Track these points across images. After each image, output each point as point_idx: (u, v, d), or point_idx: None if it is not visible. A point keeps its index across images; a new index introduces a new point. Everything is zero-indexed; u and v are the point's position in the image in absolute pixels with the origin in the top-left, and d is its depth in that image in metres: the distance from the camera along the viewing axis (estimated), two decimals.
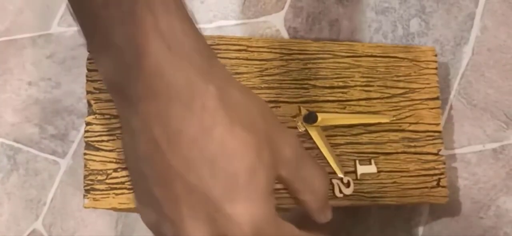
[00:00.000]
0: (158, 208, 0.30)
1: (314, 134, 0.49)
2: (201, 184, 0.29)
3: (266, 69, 0.50)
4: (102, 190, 0.45)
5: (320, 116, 0.49)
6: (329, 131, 0.50)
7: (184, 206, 0.30)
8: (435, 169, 0.51)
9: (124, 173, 0.45)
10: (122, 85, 0.30)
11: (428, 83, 0.52)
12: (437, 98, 0.52)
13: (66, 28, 0.67)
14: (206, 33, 0.62)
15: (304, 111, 0.49)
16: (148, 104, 0.30)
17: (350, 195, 0.49)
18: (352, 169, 0.49)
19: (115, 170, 0.45)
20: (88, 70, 0.47)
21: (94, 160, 0.45)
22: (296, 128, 0.49)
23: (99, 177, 0.45)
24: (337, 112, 0.50)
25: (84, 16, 0.29)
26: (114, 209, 0.46)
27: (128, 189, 0.45)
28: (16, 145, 0.65)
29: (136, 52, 0.29)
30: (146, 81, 0.29)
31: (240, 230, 0.30)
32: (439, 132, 0.52)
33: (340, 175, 0.48)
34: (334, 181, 0.49)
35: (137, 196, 0.32)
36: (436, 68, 0.53)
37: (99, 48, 0.30)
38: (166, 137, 0.29)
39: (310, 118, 0.48)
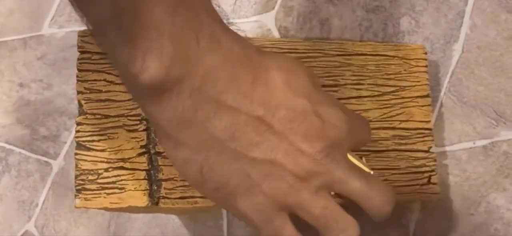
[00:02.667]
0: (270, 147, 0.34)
1: None
2: (293, 108, 0.34)
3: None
4: (93, 190, 0.45)
5: None
6: None
7: (293, 135, 0.34)
8: (425, 166, 0.51)
9: (115, 172, 0.45)
10: (179, 77, 0.31)
11: (418, 81, 0.53)
12: (427, 96, 0.53)
13: (57, 29, 0.67)
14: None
15: None
16: (217, 77, 0.32)
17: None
18: None
19: (106, 170, 0.45)
20: (79, 70, 0.47)
21: (85, 160, 0.45)
22: None
23: (90, 177, 0.45)
24: None
25: (131, 23, 0.30)
26: (106, 208, 0.46)
27: (119, 188, 0.45)
28: (7, 146, 0.65)
29: (193, 33, 0.31)
30: (210, 56, 0.32)
31: (336, 128, 0.35)
32: (430, 129, 0.52)
33: None
34: None
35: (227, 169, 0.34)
36: (426, 66, 0.53)
37: (148, 49, 0.30)
38: (242, 97, 0.33)
39: None
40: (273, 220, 0.35)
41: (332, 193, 0.37)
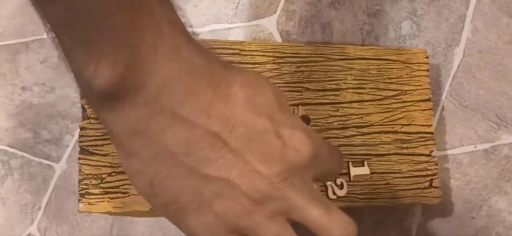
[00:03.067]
0: (222, 169, 0.32)
1: None
2: (253, 127, 0.32)
3: (259, 72, 0.50)
4: (97, 194, 0.45)
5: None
6: (322, 134, 0.50)
7: (250, 154, 0.32)
8: (427, 170, 0.51)
9: (118, 177, 0.45)
10: (134, 85, 0.30)
11: (419, 85, 0.53)
12: (428, 100, 0.53)
13: None
14: (199, 37, 0.62)
15: (301, 112, 0.50)
16: (174, 88, 0.30)
17: (344, 196, 0.49)
18: (345, 171, 0.50)
19: (109, 175, 0.45)
20: None
21: (89, 165, 0.46)
22: None
23: (94, 181, 0.45)
24: (330, 115, 0.51)
25: (82, 24, 0.29)
26: (109, 213, 0.46)
27: (123, 193, 0.45)
28: (10, 150, 0.65)
29: (151, 42, 0.29)
30: (168, 66, 0.30)
31: (297, 152, 0.33)
32: (431, 133, 0.52)
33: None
34: (328, 183, 0.49)
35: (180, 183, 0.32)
36: (427, 70, 0.53)
37: (102, 54, 0.29)
38: (199, 111, 0.31)
39: (303, 122, 0.49)
40: None
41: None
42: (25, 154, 0.64)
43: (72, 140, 0.64)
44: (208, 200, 0.32)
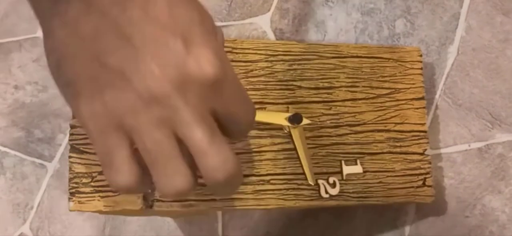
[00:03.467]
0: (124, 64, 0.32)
1: (295, 135, 0.49)
2: (163, 29, 0.32)
3: (252, 70, 0.50)
4: (87, 192, 0.45)
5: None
6: (315, 132, 0.50)
7: (150, 53, 0.32)
8: (420, 168, 0.51)
9: None
10: None
11: (413, 83, 0.53)
12: (422, 98, 0.53)
13: None
14: None
15: (292, 111, 0.49)
16: None
17: (336, 195, 0.49)
18: (338, 169, 0.50)
19: (100, 173, 0.45)
20: None
21: (79, 163, 0.45)
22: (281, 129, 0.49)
23: (84, 180, 0.45)
24: (323, 113, 0.50)
25: None
26: (100, 211, 0.46)
27: (113, 191, 0.45)
28: (2, 149, 0.65)
29: None
30: None
31: (199, 67, 0.32)
32: (425, 132, 0.52)
33: (310, 182, 0.48)
34: (320, 181, 0.49)
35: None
36: (421, 68, 0.53)
37: None
38: (115, 2, 0.32)
39: (295, 119, 0.49)
40: (108, 136, 0.33)
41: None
42: (17, 153, 0.64)
43: (64, 139, 0.64)
44: (101, 89, 0.32)
